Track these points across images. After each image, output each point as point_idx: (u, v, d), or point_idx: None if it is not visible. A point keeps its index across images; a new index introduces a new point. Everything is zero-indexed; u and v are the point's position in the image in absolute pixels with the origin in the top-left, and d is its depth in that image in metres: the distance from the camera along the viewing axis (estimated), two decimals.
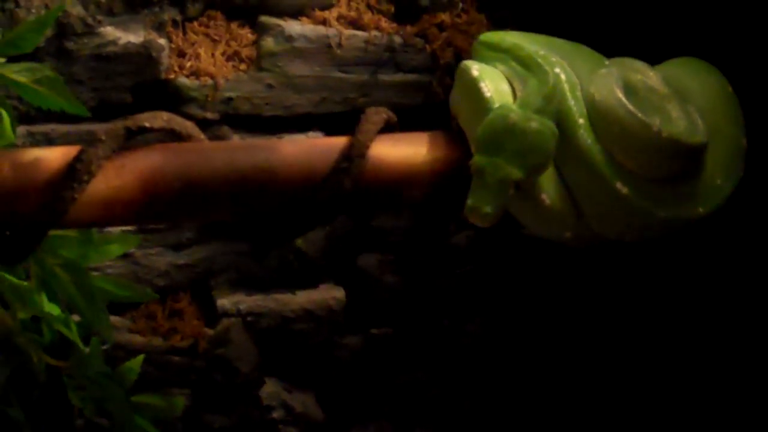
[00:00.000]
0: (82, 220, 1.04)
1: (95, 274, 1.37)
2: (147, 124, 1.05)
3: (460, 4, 1.56)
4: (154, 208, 1.05)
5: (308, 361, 1.65)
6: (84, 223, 1.05)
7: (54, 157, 1.03)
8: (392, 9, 1.55)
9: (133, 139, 1.07)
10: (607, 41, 1.24)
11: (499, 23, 1.58)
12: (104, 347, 1.43)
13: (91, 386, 1.36)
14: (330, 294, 1.64)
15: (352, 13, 1.52)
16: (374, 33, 1.53)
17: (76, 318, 1.36)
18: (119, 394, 1.34)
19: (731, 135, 1.13)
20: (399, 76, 1.56)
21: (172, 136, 1.09)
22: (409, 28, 1.55)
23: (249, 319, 1.59)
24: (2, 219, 1.02)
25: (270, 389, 1.63)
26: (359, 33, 1.52)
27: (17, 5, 1.41)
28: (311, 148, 1.09)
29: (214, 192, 1.06)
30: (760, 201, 1.22)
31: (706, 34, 1.29)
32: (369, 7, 1.53)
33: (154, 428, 1.43)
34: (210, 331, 1.58)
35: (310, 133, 1.52)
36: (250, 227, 1.50)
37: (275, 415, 1.63)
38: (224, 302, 1.58)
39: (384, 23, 1.53)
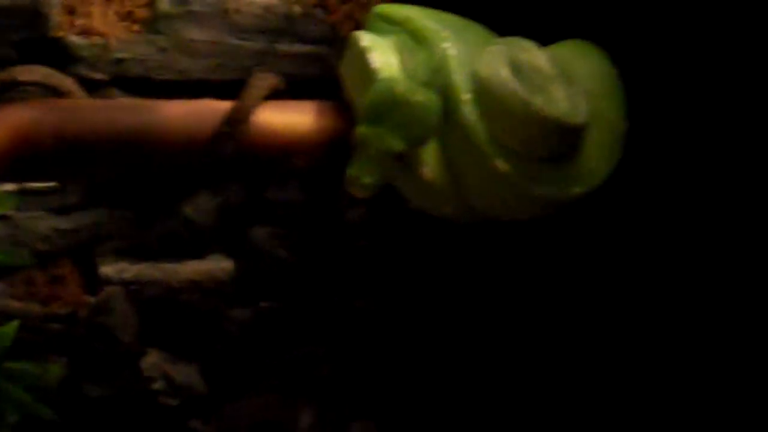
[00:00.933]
0: None
1: None
2: (20, 78, 1.03)
3: None
4: (25, 165, 1.03)
5: (194, 333, 1.64)
6: None
7: None
8: None
9: (9, 93, 1.05)
10: (505, 21, 1.26)
11: None
12: None
13: None
14: (218, 265, 1.63)
15: None
16: (274, 1, 1.52)
17: None
18: None
19: (612, 118, 1.17)
20: (297, 47, 1.55)
21: (50, 91, 1.07)
22: None
23: (132, 288, 1.57)
24: None
25: (152, 360, 1.61)
26: (258, 0, 1.52)
27: None
28: (195, 111, 1.09)
29: (91, 151, 1.05)
30: (639, 182, 1.25)
31: (599, 17, 1.32)
32: None
33: (27, 395, 1.41)
34: (91, 299, 1.56)
35: (201, 100, 1.51)
36: (135, 192, 1.49)
37: (156, 386, 1.61)
38: (107, 270, 1.56)
39: None
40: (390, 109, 1.03)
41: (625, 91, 1.19)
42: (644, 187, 1.28)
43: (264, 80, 1.11)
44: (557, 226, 1.33)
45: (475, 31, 1.19)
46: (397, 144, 1.01)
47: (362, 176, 1.01)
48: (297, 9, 1.53)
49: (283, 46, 1.54)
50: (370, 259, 1.75)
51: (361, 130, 1.02)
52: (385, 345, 1.79)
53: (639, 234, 1.34)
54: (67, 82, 1.07)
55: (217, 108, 1.08)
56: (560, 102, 1.11)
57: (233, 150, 1.06)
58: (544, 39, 1.24)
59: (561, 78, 1.15)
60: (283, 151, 1.10)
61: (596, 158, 1.13)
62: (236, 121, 1.06)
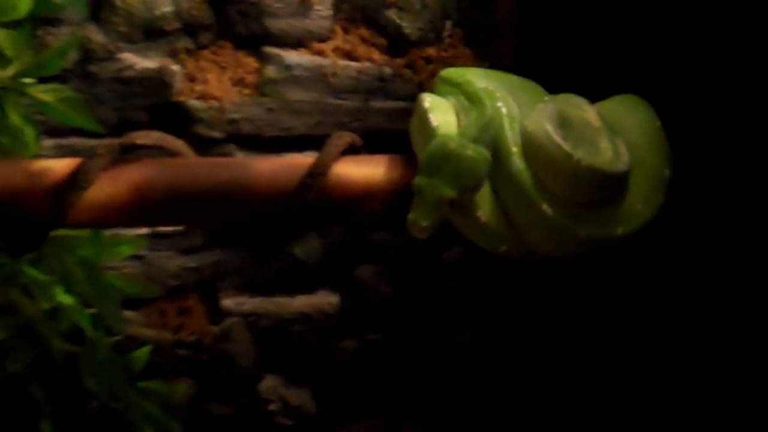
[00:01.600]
0: (81, 221, 1.23)
1: (112, 272, 1.56)
2: (139, 141, 1.24)
3: (447, 40, 1.73)
4: (141, 213, 1.23)
5: (305, 360, 1.83)
6: (83, 224, 1.24)
7: (60, 167, 1.23)
8: (384, 42, 1.72)
9: (130, 153, 1.26)
10: (569, 77, 1.40)
11: (484, 56, 1.74)
12: (117, 338, 1.63)
13: (100, 370, 1.55)
14: (326, 299, 1.82)
15: (347, 46, 1.70)
16: (366, 64, 1.71)
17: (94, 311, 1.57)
18: (122, 378, 1.53)
19: (655, 165, 1.27)
20: (389, 103, 1.73)
21: (163, 152, 1.28)
22: (398, 60, 1.72)
23: (250, 319, 1.78)
24: (15, 217, 1.22)
25: (269, 384, 1.81)
26: (353, 63, 1.70)
27: (48, 33, 1.62)
28: (282, 166, 1.27)
29: (195, 201, 1.24)
30: (683, 225, 1.35)
31: (649, 74, 1.44)
32: (363, 40, 1.71)
33: (158, 411, 1.62)
34: (214, 329, 1.77)
35: (306, 153, 1.70)
36: (251, 235, 1.70)
37: (272, 407, 1.80)
38: (228, 303, 1.77)
39: (376, 55, 1.71)
40: (443, 162, 1.17)
41: (670, 141, 1.29)
42: (689, 230, 1.38)
43: (341, 138, 1.28)
44: (619, 263, 1.44)
45: (530, 89, 1.33)
46: (449, 192, 1.16)
47: (420, 220, 1.16)
48: (387, 70, 1.71)
49: (376, 104, 1.73)
50: (468, 294, 1.88)
51: (419, 180, 1.18)
52: (483, 373, 1.92)
53: (683, 272, 1.43)
54: (177, 144, 1.27)
55: (300, 163, 1.25)
56: (604, 152, 1.23)
57: (314, 198, 1.23)
58: (597, 95, 1.37)
59: (606, 130, 1.26)
60: (358, 199, 1.27)
61: (640, 202, 1.24)
62: (317, 174, 1.23)
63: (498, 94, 1.27)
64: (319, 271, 1.80)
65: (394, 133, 1.69)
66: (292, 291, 1.80)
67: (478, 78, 1.31)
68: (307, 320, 1.80)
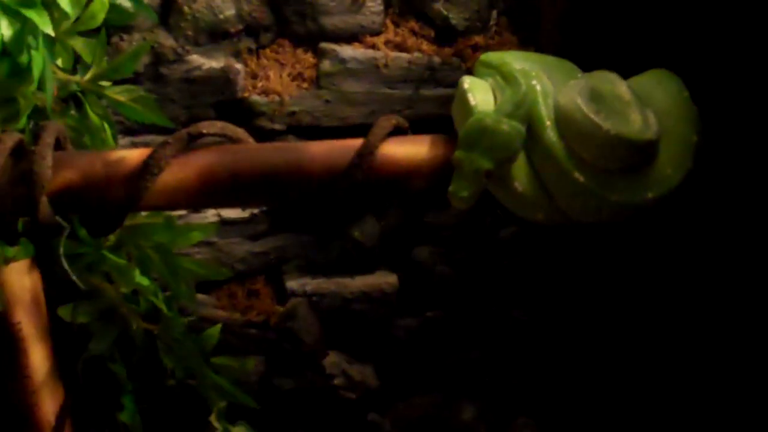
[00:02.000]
0: (154, 204, 1.36)
1: (185, 257, 1.69)
2: (204, 130, 1.37)
3: (494, 27, 1.83)
4: (208, 196, 1.36)
5: (367, 337, 1.93)
6: (156, 207, 1.38)
7: (134, 156, 1.36)
8: (432, 33, 1.82)
9: (196, 142, 1.39)
10: (610, 59, 1.49)
11: (529, 42, 1.83)
12: (191, 318, 1.76)
13: (177, 347, 1.68)
14: (384, 279, 1.92)
15: (398, 38, 1.80)
16: (416, 54, 1.81)
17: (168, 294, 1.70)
18: (197, 353, 1.66)
19: (683, 133, 1.35)
20: (439, 91, 1.83)
21: (226, 139, 1.40)
22: (447, 50, 1.82)
23: (314, 299, 1.89)
24: (95, 203, 1.36)
25: (332, 360, 1.92)
26: (403, 55, 1.80)
27: (121, 39, 1.76)
28: (332, 148, 1.38)
29: (255, 183, 1.36)
30: (711, 191, 1.42)
31: (679, 50, 1.51)
32: (413, 32, 1.81)
33: (231, 386, 1.74)
34: (280, 308, 1.88)
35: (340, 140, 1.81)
36: (312, 219, 1.81)
37: (336, 381, 1.92)
38: (293, 284, 1.89)
39: (425, 46, 1.81)
40: (480, 136, 1.28)
41: (698, 111, 1.37)
42: (716, 196, 1.45)
43: (387, 121, 1.39)
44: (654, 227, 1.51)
45: (565, 68, 1.42)
46: (485, 164, 1.26)
47: (459, 191, 1.27)
48: (437, 59, 1.81)
49: (426, 91, 1.83)
50: (523, 272, 1.97)
51: (458, 154, 1.28)
52: (539, 349, 2.00)
53: (711, 235, 1.49)
54: (238, 131, 1.40)
55: (350, 145, 1.37)
56: (633, 123, 1.32)
57: (363, 177, 1.34)
58: (631, 70, 1.45)
59: (637, 102, 1.35)
60: (403, 176, 1.37)
61: (669, 168, 1.32)
62: (365, 154, 1.34)
63: (533, 73, 1.36)
64: (377, 253, 1.91)
65: (444, 118, 1.77)
66: (352, 272, 1.91)
67: (515, 60, 1.41)
68: (367, 299, 1.91)
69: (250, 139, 1.42)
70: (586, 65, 1.48)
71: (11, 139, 1.35)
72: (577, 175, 1.30)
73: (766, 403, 1.55)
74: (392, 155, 1.38)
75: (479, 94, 1.37)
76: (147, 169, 1.34)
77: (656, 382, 1.90)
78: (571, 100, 1.32)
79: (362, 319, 1.91)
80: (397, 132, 1.40)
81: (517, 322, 1.98)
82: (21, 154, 1.36)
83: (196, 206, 1.56)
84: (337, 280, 1.90)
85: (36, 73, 1.48)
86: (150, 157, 1.34)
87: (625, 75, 1.44)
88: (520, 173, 1.32)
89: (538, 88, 1.34)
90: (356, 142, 1.38)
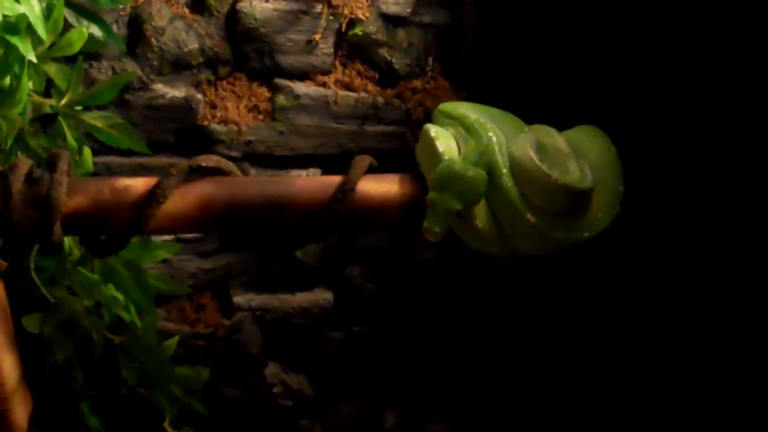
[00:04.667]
0: (157, 229, 1.55)
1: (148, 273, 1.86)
2: (203, 164, 1.57)
3: (429, 73, 2.10)
4: (206, 222, 1.56)
5: (303, 349, 2.16)
6: (158, 232, 1.56)
7: (139, 184, 1.54)
8: (377, 76, 2.07)
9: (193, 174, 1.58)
10: (539, 108, 1.78)
11: (458, 87, 2.11)
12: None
13: (143, 356, 1.84)
14: (322, 296, 2.15)
15: (346, 78, 2.04)
16: (363, 94, 2.05)
17: None
18: (165, 360, 1.84)
19: (612, 182, 1.65)
20: (381, 128, 2.07)
21: (219, 172, 1.60)
22: (389, 91, 2.07)
23: (258, 313, 2.09)
24: (103, 226, 1.53)
25: (272, 370, 2.13)
26: (351, 93, 2.04)
27: (90, 66, 1.92)
28: (316, 183, 1.61)
29: (247, 212, 1.57)
30: (632, 233, 1.74)
31: (607, 107, 1.83)
32: (359, 74, 2.06)
33: (185, 394, 1.91)
34: (227, 322, 2.08)
35: (310, 170, 2.04)
36: (260, 241, 2.02)
37: (275, 390, 2.13)
38: (239, 299, 2.09)
39: (370, 87, 2.06)
40: (451, 180, 1.53)
41: (623, 163, 1.68)
42: (639, 237, 1.77)
43: (363, 160, 1.62)
44: (580, 264, 1.82)
45: (510, 120, 1.70)
46: (456, 204, 1.52)
47: (433, 227, 1.51)
48: (380, 99, 2.06)
49: (371, 128, 2.07)
50: (441, 291, 2.23)
51: (431, 195, 1.53)
52: (454, 360, 2.24)
53: (634, 269, 1.83)
54: (230, 165, 1.60)
55: (332, 181, 1.59)
56: (573, 172, 1.60)
57: (344, 210, 1.57)
58: (568, 124, 1.75)
59: (573, 154, 1.64)
60: (378, 210, 1.61)
61: (600, 212, 1.61)
62: (347, 189, 1.57)
63: (488, 126, 1.63)
64: (316, 271, 2.14)
65: (385, 152, 2.03)
66: (293, 288, 2.13)
67: (470, 111, 1.67)
68: (306, 314, 2.13)
69: (239, 173, 1.63)
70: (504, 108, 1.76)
71: (25, 164, 1.51)
72: (528, 216, 1.57)
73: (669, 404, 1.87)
74: (368, 192, 1.61)
75: (444, 141, 1.62)
76: (153, 197, 1.52)
77: (559, 389, 2.19)
78: (525, 151, 1.60)
79: (300, 332, 2.13)
80: (370, 170, 1.64)
81: (434, 336, 2.24)
82: (33, 178, 1.52)
83: (195, 232, 1.74)
84: (279, 296, 2.11)
85: (21, 96, 1.63)
86: (156, 186, 1.53)
87: (529, 114, 1.72)
88: (480, 213, 1.59)
89: (495, 139, 1.61)
90: (336, 179, 1.61)
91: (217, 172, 1.60)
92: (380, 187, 1.63)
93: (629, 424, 1.94)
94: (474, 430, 2.27)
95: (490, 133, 1.61)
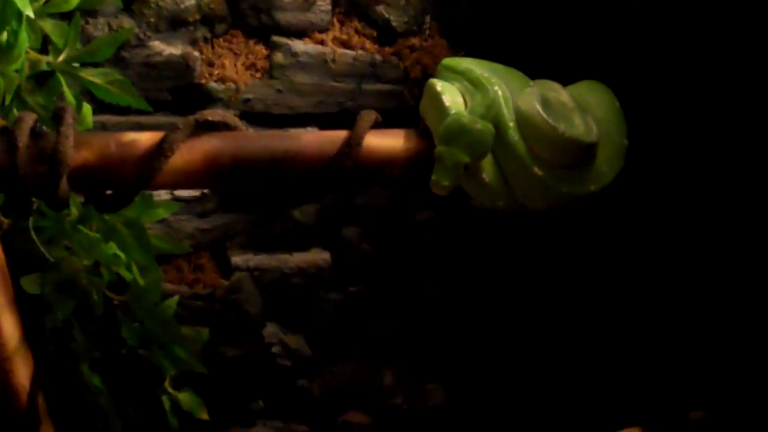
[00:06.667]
0: (163, 184, 1.55)
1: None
2: (209, 118, 1.57)
3: (427, 31, 2.11)
4: (212, 177, 1.57)
5: (301, 309, 2.17)
6: (164, 187, 1.57)
7: (146, 138, 1.54)
8: (375, 33, 2.07)
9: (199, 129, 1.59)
10: (538, 65, 1.80)
11: (456, 45, 2.12)
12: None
13: (145, 316, 1.85)
14: (319, 256, 2.16)
15: (344, 36, 2.05)
16: (360, 52, 2.06)
17: None
18: (169, 319, 1.85)
19: (616, 137, 1.68)
20: (379, 86, 2.08)
21: (225, 126, 1.61)
22: (387, 49, 2.07)
23: (256, 273, 2.10)
24: (110, 181, 1.54)
25: (270, 330, 2.15)
26: (349, 51, 2.04)
27: (86, 22, 1.91)
28: (323, 138, 1.62)
29: (254, 167, 1.58)
30: (637, 184, 1.77)
31: (608, 62, 1.85)
32: (357, 32, 2.06)
33: (186, 354, 1.92)
34: (225, 282, 2.09)
35: (309, 129, 2.05)
36: (257, 200, 2.02)
37: (274, 350, 2.14)
38: (237, 259, 2.10)
39: (368, 44, 2.06)
40: (459, 134, 1.54)
41: (626, 117, 1.71)
42: (642, 190, 1.81)
43: (369, 115, 1.63)
44: (579, 220, 1.84)
45: (515, 75, 1.72)
46: (464, 158, 1.53)
47: (441, 181, 1.53)
48: (378, 57, 2.07)
49: (369, 86, 2.08)
50: (437, 251, 2.25)
51: (439, 149, 1.55)
52: (450, 320, 2.27)
53: (637, 223, 1.86)
54: (236, 120, 1.60)
55: (338, 136, 1.60)
56: (579, 126, 1.63)
57: (351, 164, 1.59)
58: (567, 79, 1.77)
59: (578, 109, 1.66)
60: (383, 165, 1.62)
61: (605, 166, 1.64)
62: (353, 144, 1.59)
63: (494, 80, 1.65)
64: (313, 231, 2.15)
65: (383, 111, 2.01)
66: (290, 249, 2.14)
67: (474, 66, 1.69)
68: (303, 274, 2.14)
69: (244, 127, 1.63)
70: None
71: (30, 118, 1.51)
72: (536, 169, 1.60)
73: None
74: (374, 146, 1.62)
75: (450, 95, 1.64)
76: (161, 151, 1.53)
77: (556, 349, 2.24)
78: (531, 105, 1.62)
79: (298, 292, 2.15)
80: (375, 126, 1.66)
81: (431, 296, 2.26)
82: (38, 133, 1.52)
83: (201, 187, 1.75)
84: (277, 257, 2.12)
85: (20, 52, 1.63)
86: (163, 140, 1.53)
87: (526, 73, 1.74)
88: (487, 166, 1.61)
89: (501, 93, 1.63)
90: (342, 134, 1.62)
91: (223, 126, 1.60)
92: (385, 141, 1.64)
93: (627, 385, 1.98)
94: (471, 390, 2.30)
95: (496, 87, 1.63)
